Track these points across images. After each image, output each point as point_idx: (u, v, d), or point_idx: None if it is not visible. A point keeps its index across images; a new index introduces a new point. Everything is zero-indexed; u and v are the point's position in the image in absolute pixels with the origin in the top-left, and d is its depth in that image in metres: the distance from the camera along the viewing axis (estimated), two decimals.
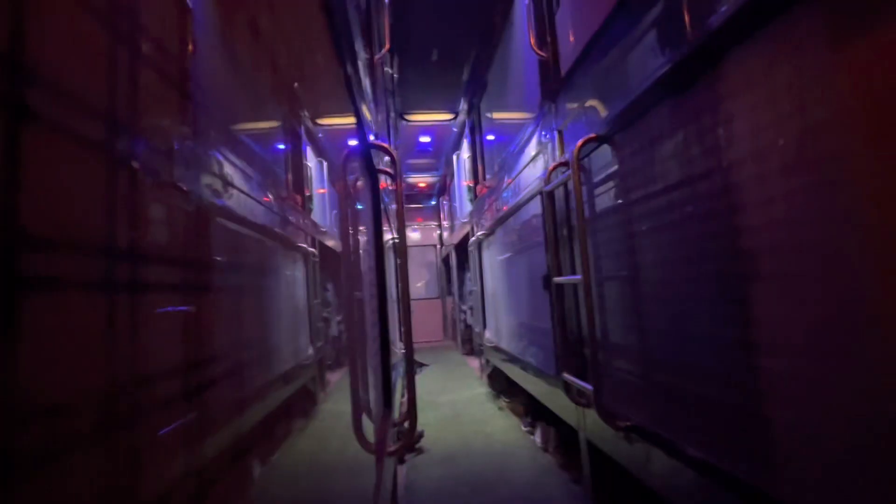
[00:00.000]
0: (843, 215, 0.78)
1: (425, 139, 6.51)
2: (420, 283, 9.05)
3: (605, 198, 1.67)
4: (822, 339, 0.83)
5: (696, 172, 1.16)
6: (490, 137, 4.06)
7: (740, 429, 1.03)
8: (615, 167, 1.58)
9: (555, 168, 1.99)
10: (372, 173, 1.51)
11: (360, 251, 2.14)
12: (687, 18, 1.15)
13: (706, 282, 1.14)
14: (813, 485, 0.86)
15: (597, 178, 1.72)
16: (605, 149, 1.64)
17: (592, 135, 1.65)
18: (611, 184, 1.63)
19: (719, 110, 1.06)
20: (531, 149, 2.50)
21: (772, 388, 0.94)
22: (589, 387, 1.70)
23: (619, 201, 1.56)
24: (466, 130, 5.09)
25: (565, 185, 1.98)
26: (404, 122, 5.63)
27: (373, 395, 1.73)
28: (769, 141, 0.93)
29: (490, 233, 3.86)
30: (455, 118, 5.48)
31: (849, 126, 0.77)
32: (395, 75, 4.24)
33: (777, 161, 0.91)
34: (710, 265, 1.12)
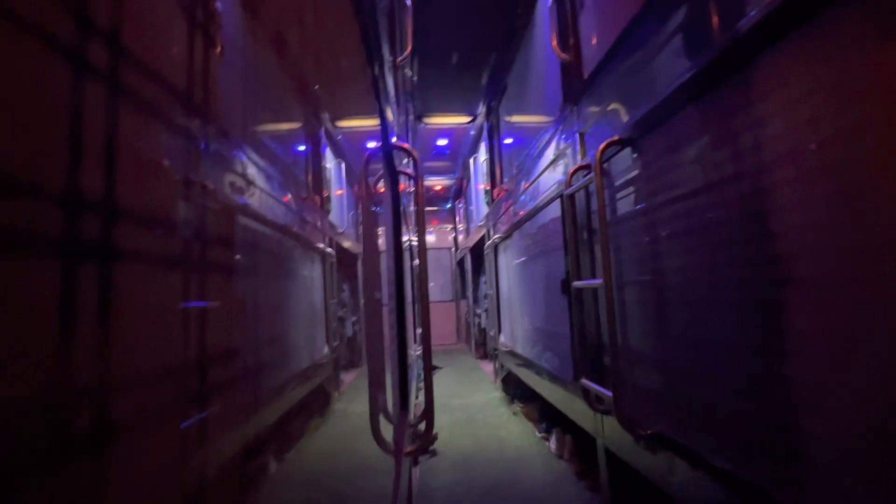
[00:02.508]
0: (875, 222, 0.76)
1: (442, 142, 6.53)
2: (434, 286, 9.06)
3: (627, 202, 1.65)
4: (855, 348, 0.80)
5: (722, 177, 1.14)
6: (508, 141, 4.04)
7: (768, 439, 1.00)
8: (638, 171, 1.56)
9: (576, 171, 1.97)
10: (393, 175, 1.52)
11: (379, 252, 2.15)
12: (715, 21, 1.13)
13: (732, 288, 1.11)
14: (844, 499, 0.83)
15: (619, 182, 1.70)
16: (627, 152, 1.62)
17: (615, 138, 1.63)
18: (633, 187, 1.60)
19: (748, 114, 1.04)
20: (551, 152, 2.48)
21: (800, 398, 0.92)
22: (608, 393, 1.67)
23: (642, 205, 1.54)
24: (484, 133, 5.09)
25: (586, 188, 1.96)
26: (422, 125, 5.65)
27: (390, 396, 1.73)
28: (799, 145, 0.90)
29: (507, 236, 3.84)
30: (473, 121, 5.48)
31: (886, 129, 0.75)
32: (414, 78, 4.27)
33: (808, 166, 0.88)
34: (735, 271, 1.10)
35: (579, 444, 2.51)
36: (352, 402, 4.05)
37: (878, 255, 0.76)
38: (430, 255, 8.92)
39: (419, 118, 5.44)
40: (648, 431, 1.48)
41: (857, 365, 0.80)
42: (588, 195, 1.99)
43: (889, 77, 0.74)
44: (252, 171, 1.45)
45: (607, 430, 1.83)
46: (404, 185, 3.45)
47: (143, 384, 0.83)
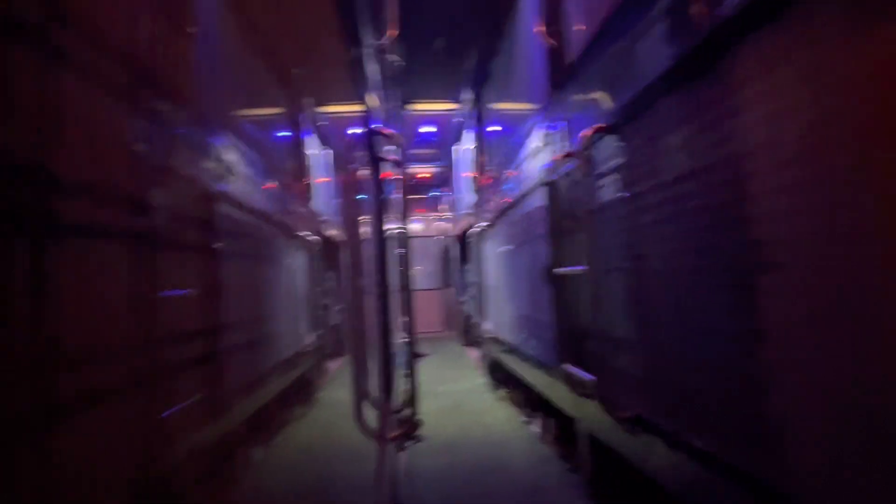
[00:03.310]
0: (854, 208, 0.78)
1: (428, 129, 6.47)
2: (420, 274, 9.06)
3: (611, 189, 1.66)
4: (830, 332, 0.82)
5: (705, 164, 1.15)
6: (494, 128, 4.03)
7: (745, 420, 1.03)
8: (622, 158, 1.57)
9: (561, 158, 1.97)
10: (376, 161, 1.50)
11: (363, 240, 2.13)
12: (697, 7, 1.13)
13: (712, 273, 1.13)
14: (818, 476, 0.86)
15: (603, 169, 1.71)
16: (612, 139, 1.63)
17: (600, 125, 1.63)
18: (617, 175, 1.61)
19: (732, 100, 1.05)
20: (536, 139, 2.48)
21: (777, 380, 0.94)
22: (590, 377, 1.70)
23: (626, 192, 1.55)
24: (470, 121, 5.06)
25: (570, 175, 1.97)
26: (406, 112, 5.59)
27: (374, 383, 1.74)
28: (782, 132, 0.91)
29: (492, 224, 3.85)
30: (458, 108, 5.44)
31: (865, 117, 0.76)
32: (398, 64, 4.21)
33: (789, 153, 0.90)
34: (715, 257, 1.12)
35: (562, 428, 2.56)
36: (337, 389, 4.05)
37: (854, 241, 0.78)
38: (416, 243, 8.88)
39: (404, 104, 5.38)
40: (628, 414, 1.52)
41: (830, 347, 0.83)
42: (572, 182, 2.00)
43: (862, 67, 0.76)
44: (231, 157, 1.42)
45: (589, 414, 1.86)
46: (389, 172, 3.41)
47: (122, 373, 0.81)
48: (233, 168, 1.48)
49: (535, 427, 2.92)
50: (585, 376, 1.76)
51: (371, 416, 1.66)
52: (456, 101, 5.27)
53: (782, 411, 0.93)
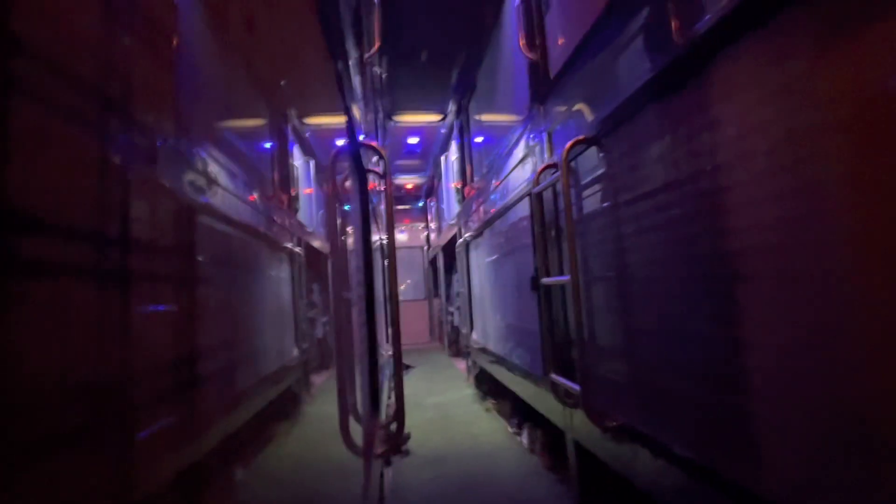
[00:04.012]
0: (826, 217, 0.80)
1: (413, 140, 6.49)
2: (406, 285, 9.02)
3: (594, 199, 1.68)
4: (807, 339, 0.84)
5: (683, 175, 1.17)
6: (478, 139, 4.06)
7: (726, 428, 1.05)
8: (603, 169, 1.59)
9: (543, 170, 2.00)
10: (361, 173, 1.50)
11: (348, 252, 2.12)
12: (674, 23, 1.16)
13: (692, 282, 1.15)
14: (797, 483, 0.87)
15: (585, 180, 1.74)
16: (593, 151, 1.65)
17: (581, 137, 1.66)
18: (599, 186, 1.64)
19: (707, 114, 1.07)
20: (520, 151, 2.50)
21: (757, 388, 0.96)
22: (576, 387, 1.71)
23: (607, 203, 1.58)
24: (455, 132, 5.09)
25: (554, 186, 1.99)
26: (392, 123, 5.61)
27: (359, 397, 1.71)
28: (755, 144, 0.94)
29: (478, 234, 3.86)
30: (443, 119, 5.47)
31: (833, 129, 0.79)
32: (383, 75, 4.22)
33: (763, 164, 0.92)
34: (696, 266, 1.14)
35: (550, 438, 2.56)
36: (323, 404, 3.98)
37: (830, 250, 0.80)
38: (403, 254, 8.87)
39: (389, 116, 5.40)
40: (614, 423, 1.52)
41: (809, 355, 0.84)
42: (556, 193, 2.02)
43: (834, 82, 0.78)
44: (213, 168, 1.40)
45: (576, 424, 1.87)
46: (374, 183, 3.41)
47: (96, 393, 0.78)
48: (215, 179, 1.46)
49: (524, 438, 2.91)
50: (572, 386, 1.76)
51: (357, 431, 1.64)
52: (441, 112, 5.31)
53: (763, 418, 0.94)
